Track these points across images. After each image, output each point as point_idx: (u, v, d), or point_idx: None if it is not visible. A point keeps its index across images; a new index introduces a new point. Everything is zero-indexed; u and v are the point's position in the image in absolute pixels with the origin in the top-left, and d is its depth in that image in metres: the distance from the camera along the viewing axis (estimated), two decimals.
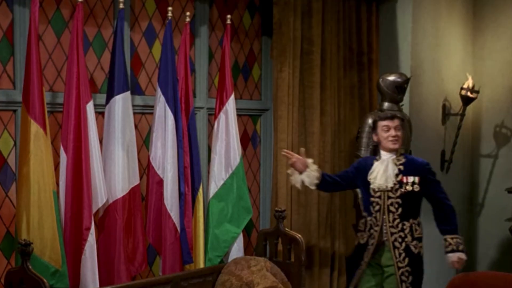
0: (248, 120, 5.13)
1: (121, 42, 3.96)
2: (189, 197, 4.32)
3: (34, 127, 3.53)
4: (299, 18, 4.90)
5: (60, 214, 3.67)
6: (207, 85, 4.77)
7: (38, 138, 3.54)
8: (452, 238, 4.15)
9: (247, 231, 4.98)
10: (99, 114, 4.03)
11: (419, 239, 4.21)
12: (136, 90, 4.37)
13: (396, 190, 4.16)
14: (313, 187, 4.33)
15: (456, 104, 6.11)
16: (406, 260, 4.14)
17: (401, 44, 5.67)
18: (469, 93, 5.91)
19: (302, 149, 4.40)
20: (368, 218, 4.26)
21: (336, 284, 5.23)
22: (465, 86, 5.90)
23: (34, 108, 3.53)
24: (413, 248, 4.17)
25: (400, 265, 4.14)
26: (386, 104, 5.22)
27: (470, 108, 6.10)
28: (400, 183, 4.15)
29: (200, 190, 4.41)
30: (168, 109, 4.17)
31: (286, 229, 4.66)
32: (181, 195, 4.24)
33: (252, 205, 4.78)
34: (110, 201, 3.91)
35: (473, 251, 6.59)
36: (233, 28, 4.87)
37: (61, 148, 3.73)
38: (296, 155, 4.29)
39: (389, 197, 4.16)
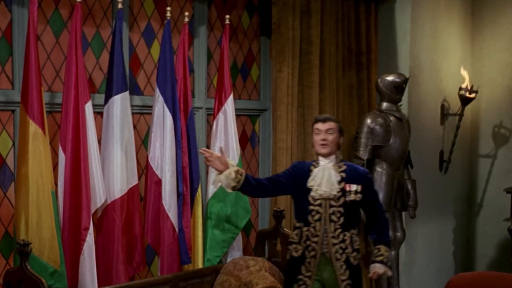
0: (247, 120, 5.13)
1: (120, 42, 3.96)
2: (187, 197, 4.32)
3: (33, 127, 3.53)
4: (298, 18, 4.90)
5: (58, 214, 3.67)
6: (206, 85, 4.77)
7: (37, 138, 3.55)
8: (386, 251, 3.92)
9: (245, 231, 4.97)
10: (98, 114, 4.04)
11: (358, 251, 3.93)
12: (134, 90, 4.37)
13: (339, 198, 3.85)
14: (229, 190, 3.92)
15: (455, 104, 6.12)
16: (347, 272, 3.86)
17: (400, 44, 5.67)
18: (467, 93, 5.91)
19: (221, 146, 4.13)
20: (305, 229, 3.89)
21: None
22: (463, 85, 5.91)
23: (33, 108, 3.53)
24: (352, 260, 3.87)
25: (342, 278, 3.85)
26: (384, 104, 5.23)
27: (468, 108, 6.11)
28: (343, 191, 3.86)
29: (199, 190, 4.41)
30: (167, 109, 4.17)
31: (285, 229, 4.66)
32: (179, 195, 4.24)
33: (250, 205, 4.77)
34: (109, 201, 3.91)
35: (472, 251, 6.60)
36: (232, 28, 4.87)
37: (60, 148, 3.73)
38: (215, 154, 3.89)
39: (331, 206, 3.85)
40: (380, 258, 3.89)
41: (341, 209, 3.85)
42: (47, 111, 3.73)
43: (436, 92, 6.02)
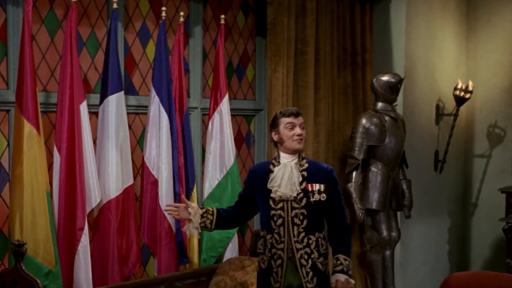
0: (242, 120, 5.13)
1: (115, 42, 3.96)
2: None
3: (27, 127, 3.53)
4: (293, 18, 4.90)
5: (53, 214, 3.67)
6: (201, 85, 4.77)
7: (31, 138, 3.54)
8: (345, 259, 3.62)
9: (241, 232, 4.98)
10: (93, 114, 4.03)
11: (325, 256, 3.66)
12: (130, 90, 4.37)
13: (301, 199, 3.57)
14: (197, 235, 3.79)
15: (450, 104, 6.13)
16: (315, 280, 3.59)
17: (395, 44, 5.68)
18: (462, 93, 5.93)
19: (182, 196, 4.08)
20: (268, 236, 3.63)
21: None
22: (458, 86, 5.93)
23: (28, 108, 3.52)
24: (320, 266, 3.61)
25: (309, 286, 3.59)
26: (379, 104, 5.23)
27: (463, 108, 6.12)
28: (305, 191, 3.57)
29: (194, 190, 4.41)
30: (163, 109, 4.17)
31: None
32: (175, 195, 4.24)
33: None
34: (104, 202, 3.90)
35: (467, 250, 6.62)
36: (227, 28, 4.87)
37: (55, 148, 3.73)
38: (180, 205, 3.71)
39: (293, 208, 3.57)
40: (339, 268, 3.61)
41: (304, 211, 3.58)
42: (42, 111, 3.72)
43: (431, 92, 6.03)
